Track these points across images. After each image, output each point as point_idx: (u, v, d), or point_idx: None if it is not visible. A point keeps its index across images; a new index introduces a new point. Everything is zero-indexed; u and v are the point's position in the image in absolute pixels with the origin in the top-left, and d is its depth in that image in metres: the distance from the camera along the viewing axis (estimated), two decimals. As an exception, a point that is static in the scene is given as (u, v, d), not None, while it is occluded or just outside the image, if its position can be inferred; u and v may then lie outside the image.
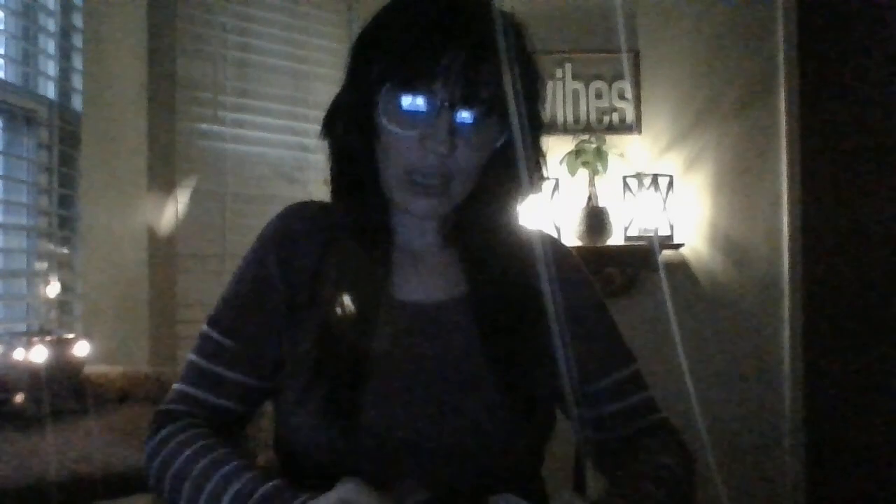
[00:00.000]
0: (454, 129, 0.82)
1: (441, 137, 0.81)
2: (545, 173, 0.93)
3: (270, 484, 0.74)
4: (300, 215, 0.93)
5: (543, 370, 0.88)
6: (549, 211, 2.50)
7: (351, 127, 0.88)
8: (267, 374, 0.88)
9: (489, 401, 0.84)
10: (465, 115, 0.83)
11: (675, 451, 0.88)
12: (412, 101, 0.83)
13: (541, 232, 0.98)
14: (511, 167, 0.89)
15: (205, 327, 0.91)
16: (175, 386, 0.90)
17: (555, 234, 1.58)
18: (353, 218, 0.90)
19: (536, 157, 0.91)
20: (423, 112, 0.83)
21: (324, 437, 0.81)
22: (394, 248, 0.92)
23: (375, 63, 0.85)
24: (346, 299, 0.85)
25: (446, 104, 0.81)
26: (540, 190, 0.93)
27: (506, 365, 0.86)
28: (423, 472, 0.81)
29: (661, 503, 0.79)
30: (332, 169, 0.93)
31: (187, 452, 0.80)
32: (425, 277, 0.91)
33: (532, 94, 0.88)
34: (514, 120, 0.87)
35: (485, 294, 0.89)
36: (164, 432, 0.84)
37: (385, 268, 0.89)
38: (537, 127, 0.90)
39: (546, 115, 0.92)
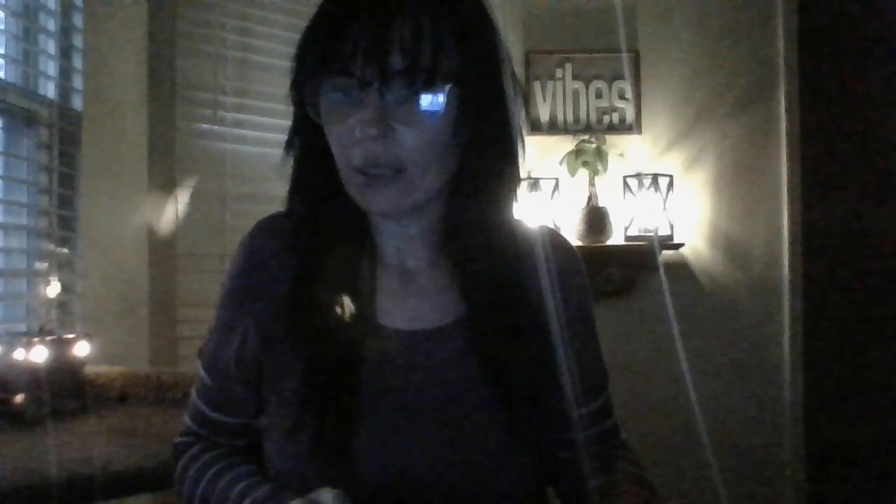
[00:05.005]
0: (385, 107, 0.72)
1: (371, 118, 0.71)
2: (522, 153, 0.81)
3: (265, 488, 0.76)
4: (270, 234, 0.84)
5: (548, 399, 0.81)
6: (549, 211, 2.51)
7: (305, 140, 0.83)
8: (248, 413, 0.84)
9: (495, 439, 0.77)
10: (395, 90, 0.72)
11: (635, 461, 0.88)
12: (336, 89, 0.74)
13: (543, 230, 0.88)
14: (487, 156, 0.78)
15: (197, 358, 0.87)
16: (183, 418, 0.90)
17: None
18: (330, 234, 0.81)
19: (506, 136, 0.78)
20: (349, 97, 0.73)
21: (317, 478, 0.73)
22: (378, 266, 0.82)
23: (302, 69, 0.78)
24: (329, 329, 0.77)
25: (368, 81, 0.71)
26: (520, 159, 0.81)
27: (513, 400, 0.77)
28: None
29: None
30: (297, 185, 0.84)
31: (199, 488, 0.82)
32: (416, 299, 0.81)
33: (482, 60, 0.76)
34: (512, 105, 0.76)
35: (486, 317, 0.79)
36: (180, 464, 0.85)
37: (370, 290, 0.80)
38: (503, 102, 0.78)
39: (520, 86, 0.81)
